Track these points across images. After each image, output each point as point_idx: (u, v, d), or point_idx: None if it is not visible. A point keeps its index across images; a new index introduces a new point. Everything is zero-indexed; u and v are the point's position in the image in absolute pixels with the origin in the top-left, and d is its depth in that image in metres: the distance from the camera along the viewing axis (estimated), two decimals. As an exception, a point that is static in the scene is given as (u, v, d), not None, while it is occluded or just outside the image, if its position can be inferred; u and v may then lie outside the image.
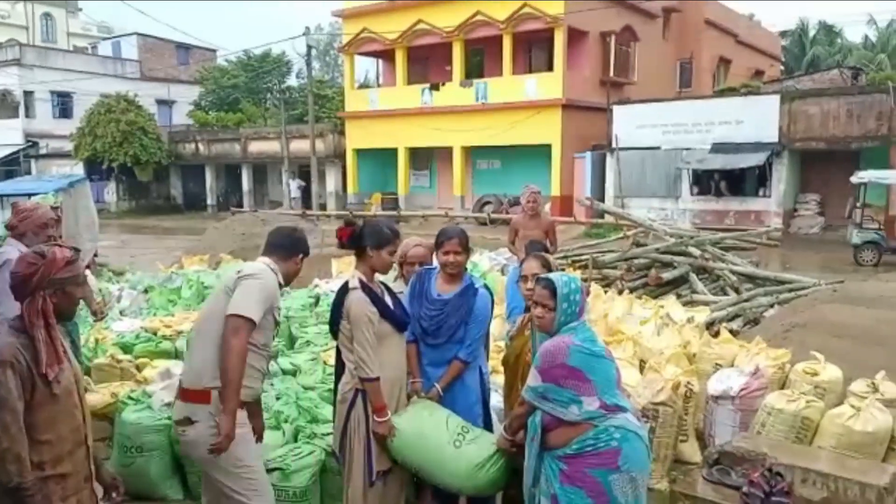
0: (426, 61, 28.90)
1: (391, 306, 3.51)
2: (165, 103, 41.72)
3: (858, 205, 16.14)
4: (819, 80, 26.20)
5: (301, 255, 3.44)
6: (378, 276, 3.59)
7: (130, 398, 4.55)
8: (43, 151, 38.16)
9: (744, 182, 22.54)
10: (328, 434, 3.98)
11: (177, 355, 5.90)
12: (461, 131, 26.17)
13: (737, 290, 8.74)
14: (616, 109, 24.13)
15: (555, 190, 24.64)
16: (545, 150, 25.01)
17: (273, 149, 32.78)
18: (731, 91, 24.87)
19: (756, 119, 21.53)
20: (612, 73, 26.40)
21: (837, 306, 6.57)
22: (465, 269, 3.84)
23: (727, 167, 21.70)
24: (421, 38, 27.26)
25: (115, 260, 14.81)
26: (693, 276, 9.16)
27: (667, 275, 9.20)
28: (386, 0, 28.00)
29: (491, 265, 9.83)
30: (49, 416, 2.41)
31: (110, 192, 35.91)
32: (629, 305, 7.25)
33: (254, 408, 3.59)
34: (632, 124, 23.55)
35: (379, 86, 32.41)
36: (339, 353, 3.58)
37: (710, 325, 7.02)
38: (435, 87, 27.40)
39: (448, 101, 26.82)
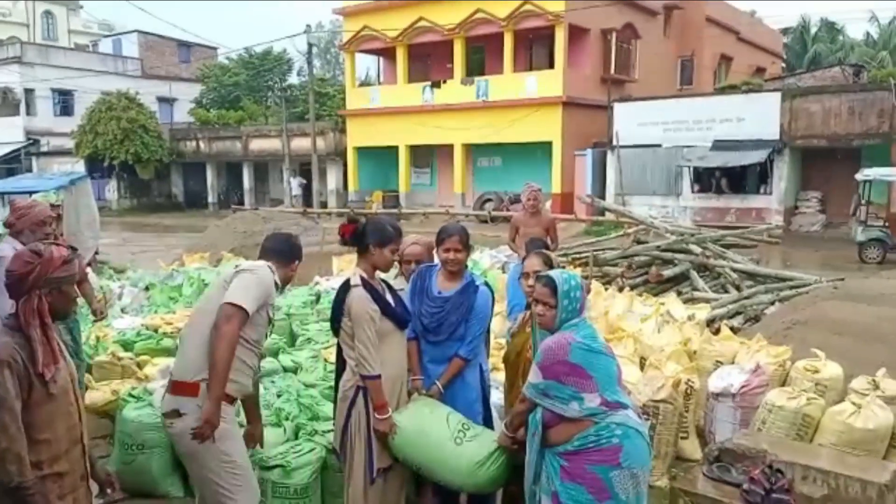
0: (427, 59, 28.88)
1: (392, 304, 3.51)
2: (166, 101, 41.69)
3: (863, 202, 16.12)
4: (820, 77, 26.20)
5: (297, 262, 3.49)
6: (379, 274, 3.59)
7: (131, 396, 4.56)
8: (44, 149, 38.20)
9: (745, 179, 22.50)
10: (329, 431, 3.98)
11: (178, 353, 5.90)
12: (462, 129, 26.16)
13: (738, 288, 8.74)
14: (617, 107, 24.10)
15: (555, 187, 24.62)
16: (546, 147, 25.00)
17: (274, 147, 32.78)
18: (732, 88, 24.81)
19: (757, 116, 21.50)
20: (612, 71, 26.35)
21: (838, 303, 6.57)
22: (466, 266, 3.84)
23: (728, 165, 21.66)
24: (422, 35, 27.24)
25: (117, 257, 14.83)
26: (694, 274, 9.16)
27: (667, 272, 9.20)
28: (387, -2, 28.03)
29: (492, 263, 9.85)
30: (46, 415, 2.41)
31: (111, 190, 35.95)
32: (630, 303, 7.26)
33: (252, 413, 3.59)
34: (633, 122, 23.52)
35: (380, 83, 32.38)
36: (339, 350, 3.58)
37: (710, 323, 7.03)
38: (436, 85, 27.38)
39: (449, 98, 26.80)
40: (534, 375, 2.97)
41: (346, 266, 9.01)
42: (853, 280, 9.11)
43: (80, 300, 4.60)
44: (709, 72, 31.60)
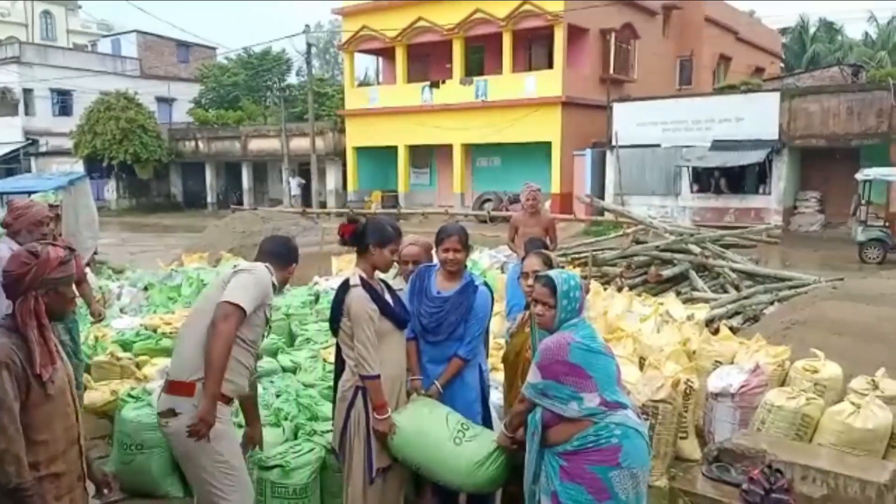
0: (426, 59, 28.88)
1: (391, 304, 3.51)
2: (165, 101, 41.68)
3: (863, 202, 16.13)
4: (819, 77, 26.21)
5: (294, 265, 3.50)
6: (378, 274, 3.59)
7: (130, 396, 4.55)
8: (43, 149, 38.17)
9: (744, 179, 22.52)
10: (328, 431, 3.97)
11: (177, 353, 5.89)
12: (461, 129, 26.16)
13: (737, 288, 8.74)
14: (616, 107, 24.12)
15: (555, 187, 24.64)
16: (545, 147, 25.01)
17: (273, 147, 32.77)
18: (731, 88, 24.85)
19: (756, 116, 21.52)
20: (612, 71, 26.37)
21: (837, 303, 6.56)
22: (465, 266, 3.84)
23: (727, 164, 21.67)
24: (421, 35, 27.25)
25: (115, 257, 14.80)
26: (693, 274, 9.16)
27: (667, 272, 9.20)
28: (386, -2, 28.04)
29: (491, 263, 9.85)
30: (44, 416, 2.41)
31: (110, 190, 35.92)
32: (629, 303, 7.26)
33: (251, 414, 3.59)
34: (632, 122, 23.53)
35: (379, 84, 32.40)
36: (339, 350, 3.58)
37: (709, 323, 7.03)
38: (435, 85, 27.38)
39: (448, 98, 26.81)
40: (533, 375, 2.97)
41: (346, 266, 9.00)
42: (852, 280, 9.11)
43: (79, 300, 4.59)
44: (708, 72, 31.62)
